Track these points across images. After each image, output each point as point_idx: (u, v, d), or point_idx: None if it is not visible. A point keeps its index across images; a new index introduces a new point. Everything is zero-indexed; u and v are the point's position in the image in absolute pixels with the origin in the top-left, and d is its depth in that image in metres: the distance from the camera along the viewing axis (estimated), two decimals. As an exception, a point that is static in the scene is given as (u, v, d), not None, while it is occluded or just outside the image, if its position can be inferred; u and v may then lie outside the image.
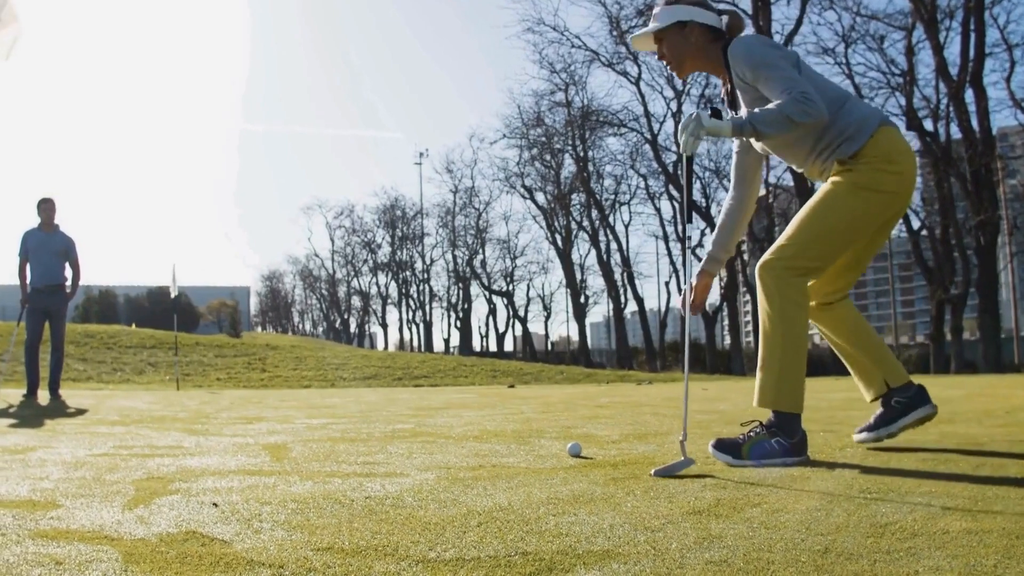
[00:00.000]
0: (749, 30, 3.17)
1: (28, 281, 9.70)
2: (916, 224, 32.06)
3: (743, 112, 3.09)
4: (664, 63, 3.25)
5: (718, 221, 3.35)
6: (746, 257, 41.86)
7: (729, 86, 3.21)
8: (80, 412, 6.93)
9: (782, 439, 2.94)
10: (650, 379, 19.50)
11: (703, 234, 43.17)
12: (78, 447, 3.92)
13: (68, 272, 9.90)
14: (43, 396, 9.53)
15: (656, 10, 3.27)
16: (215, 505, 2.27)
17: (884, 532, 1.84)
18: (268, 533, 1.90)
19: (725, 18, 3.19)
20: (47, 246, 9.70)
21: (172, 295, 15.48)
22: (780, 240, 3.06)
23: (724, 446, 3.01)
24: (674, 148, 40.94)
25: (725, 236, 3.33)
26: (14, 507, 2.27)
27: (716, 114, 2.91)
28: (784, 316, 2.97)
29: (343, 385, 17.74)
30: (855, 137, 2.96)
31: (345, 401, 8.96)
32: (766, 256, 3.04)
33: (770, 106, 2.87)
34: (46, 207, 9.80)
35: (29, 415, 6.66)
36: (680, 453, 2.85)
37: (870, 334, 3.26)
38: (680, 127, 2.92)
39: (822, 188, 3.06)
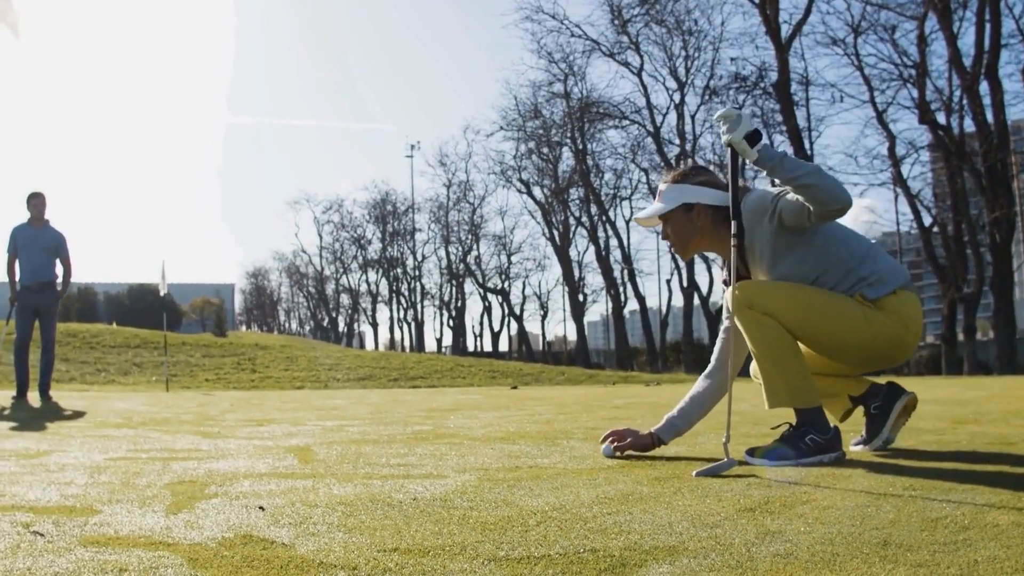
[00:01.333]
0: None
1: (17, 279, 9.75)
2: (927, 220, 32.25)
3: (762, 264, 3.15)
4: (667, 241, 3.32)
5: (691, 394, 3.40)
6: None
7: (742, 267, 3.26)
8: (78, 415, 7.00)
9: (815, 436, 3.05)
10: (657, 380, 19.60)
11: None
12: (92, 451, 3.98)
13: (59, 269, 9.97)
14: (32, 398, 9.60)
15: (662, 187, 3.33)
16: (262, 508, 2.33)
17: (936, 526, 1.95)
18: (327, 535, 1.97)
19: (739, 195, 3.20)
20: (37, 242, 9.75)
21: (161, 292, 15.53)
22: (777, 285, 3.11)
23: (759, 451, 3.13)
24: (676, 141, 41.12)
25: (694, 414, 3.39)
26: (50, 513, 2.30)
27: (756, 135, 2.93)
28: (756, 320, 3.07)
29: (337, 386, 17.81)
30: (878, 285, 3.07)
31: (349, 403, 9.05)
32: (752, 288, 3.08)
33: (800, 162, 2.94)
34: (36, 202, 9.84)
35: (27, 417, 6.73)
36: (724, 454, 2.96)
37: (809, 359, 3.27)
38: (721, 115, 2.98)
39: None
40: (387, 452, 3.73)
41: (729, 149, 2.98)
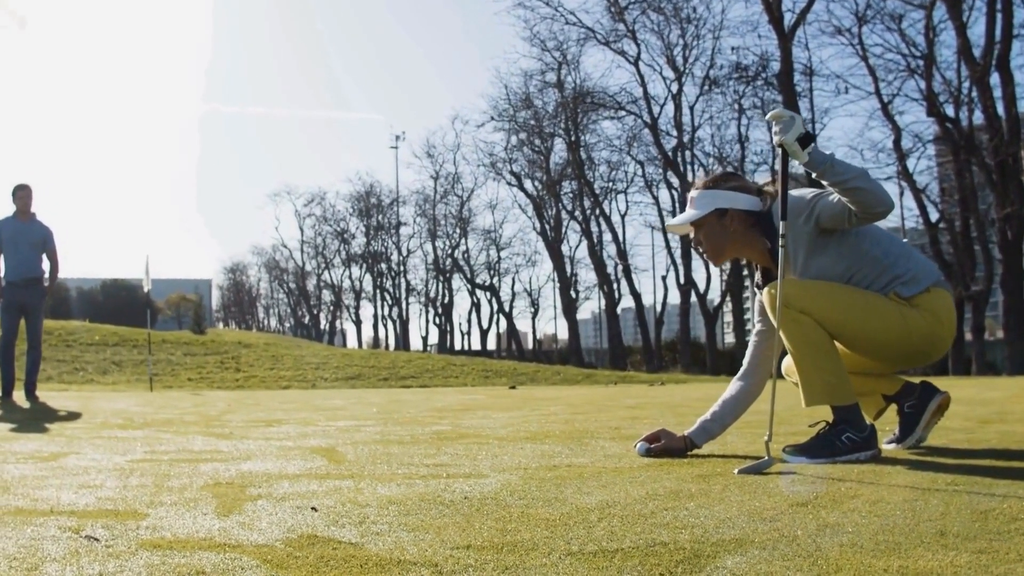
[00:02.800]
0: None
1: (2, 274, 9.80)
2: (934, 216, 32.51)
3: (799, 259, 3.29)
4: (699, 248, 3.45)
5: (724, 398, 3.54)
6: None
7: (774, 269, 3.37)
8: (74, 415, 7.07)
9: (852, 434, 3.21)
10: (661, 380, 19.77)
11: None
12: (108, 452, 4.04)
13: (45, 265, 10.03)
14: (18, 397, 9.66)
15: (694, 193, 3.46)
16: (314, 509, 2.41)
17: (987, 517, 2.10)
18: (392, 535, 2.07)
19: (767, 200, 3.38)
20: (24, 236, 9.79)
21: (145, 288, 15.58)
22: (813, 284, 3.25)
23: (796, 449, 3.28)
24: (674, 133, 41.29)
25: (727, 417, 3.54)
26: (93, 517, 2.33)
27: (808, 138, 3.05)
28: (793, 319, 3.21)
29: (324, 386, 17.91)
30: (912, 283, 3.23)
31: (349, 403, 9.16)
32: (789, 287, 3.21)
33: (847, 164, 3.08)
34: (22, 194, 9.88)
35: (22, 418, 6.80)
36: (764, 452, 3.12)
37: (843, 357, 3.40)
38: (773, 115, 3.10)
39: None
40: (416, 452, 3.86)
41: (780, 150, 3.10)
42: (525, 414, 6.57)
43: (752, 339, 3.58)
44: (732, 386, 3.57)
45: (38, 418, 6.78)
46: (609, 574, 1.68)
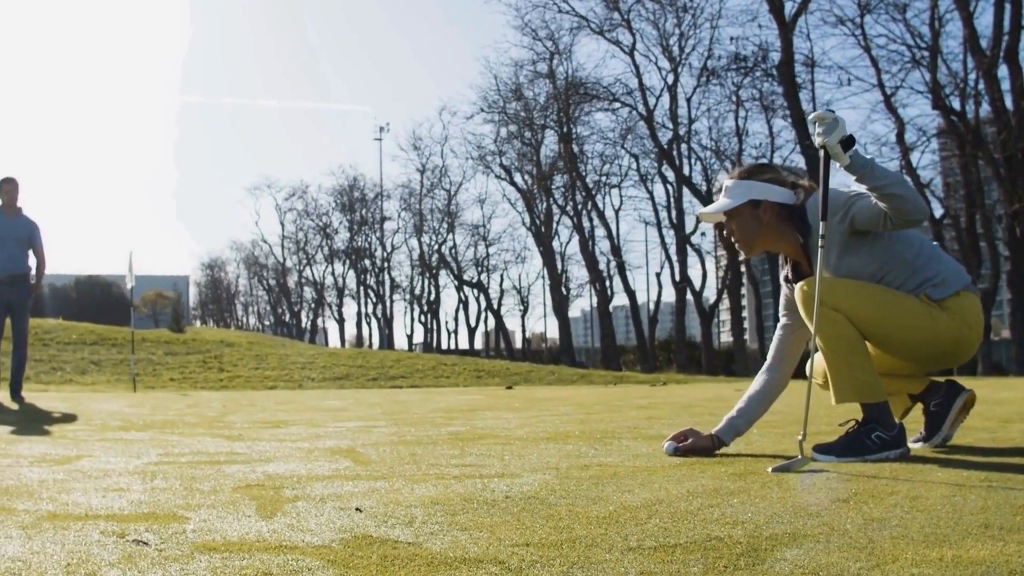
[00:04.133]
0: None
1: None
2: (939, 212, 32.79)
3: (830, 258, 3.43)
4: (732, 238, 3.59)
5: (749, 393, 3.68)
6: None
7: (804, 263, 3.55)
8: (69, 417, 7.13)
9: (881, 433, 3.37)
10: (663, 380, 19.92)
11: (698, 220, 43.70)
12: (121, 455, 4.07)
13: (32, 261, 10.08)
14: (3, 397, 9.71)
15: (728, 183, 3.59)
16: (358, 510, 2.50)
17: (1027, 512, 2.25)
18: (447, 534, 2.16)
19: (800, 194, 3.53)
20: (9, 232, 9.84)
21: (128, 286, 15.62)
22: (846, 282, 3.40)
23: (826, 448, 3.43)
24: (670, 126, 41.48)
25: (754, 413, 3.69)
26: (132, 521, 2.38)
27: (850, 141, 3.18)
28: (825, 316, 3.35)
29: (311, 386, 18.00)
30: (943, 286, 3.38)
31: (348, 404, 9.28)
32: (823, 285, 3.33)
33: (886, 169, 3.24)
34: (8, 188, 9.91)
35: (17, 420, 6.84)
36: (797, 451, 3.27)
37: (875, 357, 3.57)
38: (815, 117, 3.23)
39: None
40: (441, 453, 3.98)
41: (822, 151, 3.22)
42: (536, 415, 6.71)
43: (777, 332, 3.72)
44: (757, 381, 3.72)
45: (33, 420, 6.84)
46: (675, 568, 1.80)
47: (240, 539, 2.13)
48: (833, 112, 3.25)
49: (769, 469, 3.13)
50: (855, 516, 2.26)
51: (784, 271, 3.70)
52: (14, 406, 8.80)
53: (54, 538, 2.14)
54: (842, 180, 3.47)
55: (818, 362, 3.59)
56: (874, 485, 2.76)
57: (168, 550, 2.01)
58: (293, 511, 2.51)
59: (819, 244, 3.30)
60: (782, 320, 3.69)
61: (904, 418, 3.70)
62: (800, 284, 3.45)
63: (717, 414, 6.07)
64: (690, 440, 3.66)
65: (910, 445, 3.61)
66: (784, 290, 3.70)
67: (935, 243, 3.59)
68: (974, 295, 3.45)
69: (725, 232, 3.62)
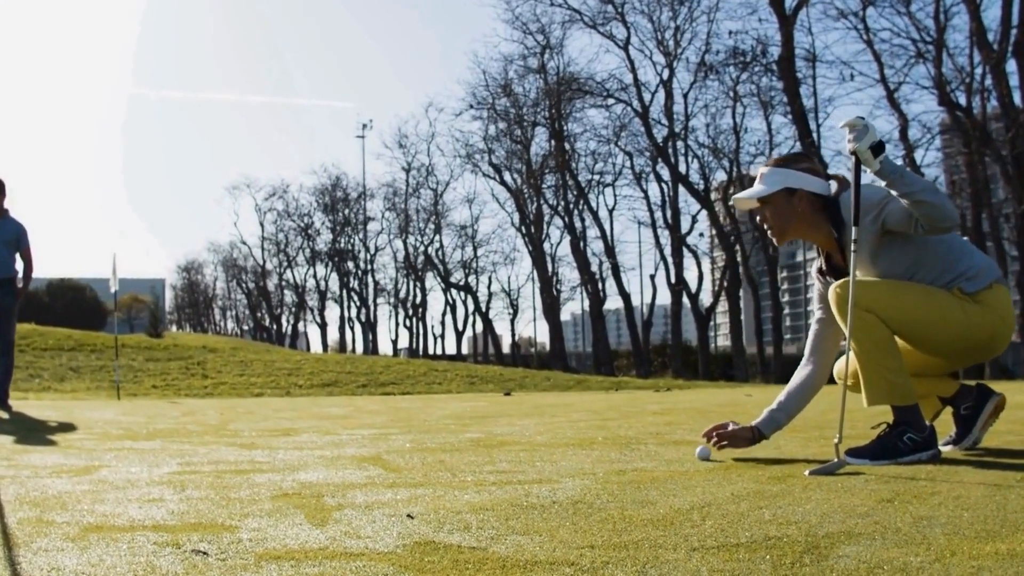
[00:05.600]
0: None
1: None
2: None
3: (862, 255, 3.59)
4: (764, 225, 3.76)
5: (789, 388, 3.86)
6: (748, 248, 42.73)
7: (837, 256, 3.72)
8: (67, 426, 7.18)
9: (913, 435, 3.55)
10: (667, 386, 20.09)
11: (694, 220, 43.97)
12: (140, 465, 4.13)
13: (19, 265, 10.12)
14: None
15: (763, 170, 3.77)
16: (410, 517, 2.62)
17: (1069, 511, 2.43)
18: (508, 538, 2.29)
19: (833, 184, 3.70)
20: (-3, 235, 9.88)
21: (112, 289, 15.68)
22: (879, 283, 3.57)
23: (859, 452, 3.60)
24: (665, 122, 41.68)
25: (794, 406, 3.85)
26: (182, 531, 2.46)
27: (880, 146, 3.37)
28: (859, 317, 3.52)
29: (299, 393, 18.07)
30: (976, 280, 3.55)
31: (348, 411, 9.41)
32: (859, 288, 3.50)
33: (916, 177, 3.42)
34: (-5, 189, 9.96)
35: (13, 430, 6.89)
36: (834, 454, 3.46)
37: (905, 354, 3.73)
38: (847, 123, 3.41)
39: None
40: (470, 460, 4.12)
41: (853, 157, 3.38)
42: (550, 421, 6.87)
43: (813, 327, 3.90)
44: (796, 376, 3.88)
45: (31, 429, 6.91)
46: (743, 566, 1.95)
47: (300, 547, 2.22)
48: (864, 119, 3.43)
49: (806, 472, 3.29)
50: (904, 515, 2.43)
51: (818, 263, 3.87)
52: (3, 415, 8.87)
53: (107, 550, 2.21)
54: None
55: (848, 363, 3.75)
56: (915, 486, 2.93)
57: (231, 560, 2.08)
58: (344, 519, 2.61)
59: (851, 248, 3.48)
60: (817, 314, 3.87)
61: (934, 420, 3.87)
62: (834, 286, 3.61)
63: (733, 420, 6.22)
64: (731, 428, 3.81)
65: (940, 448, 3.77)
66: (817, 284, 3.87)
67: (964, 238, 3.75)
68: (1005, 288, 3.63)
69: (758, 218, 3.78)
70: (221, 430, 6.47)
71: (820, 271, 3.83)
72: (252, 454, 4.63)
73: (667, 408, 8.45)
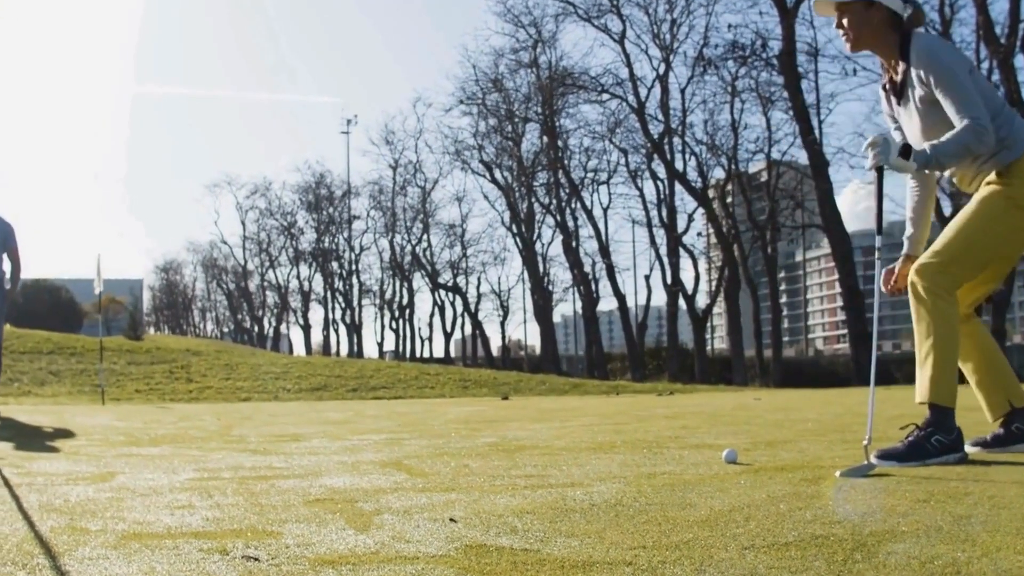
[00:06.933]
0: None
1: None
2: (948, 209, 33.26)
3: (919, 137, 3.82)
4: (842, 34, 3.96)
5: (909, 214, 4.15)
6: (747, 248, 42.94)
7: (899, 77, 3.93)
8: (64, 432, 7.25)
9: (941, 437, 3.72)
10: (670, 389, 20.25)
11: (690, 219, 44.16)
12: (156, 472, 4.20)
13: (6, 265, 10.19)
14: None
15: None
16: (453, 520, 2.72)
17: (1103, 512, 2.59)
18: (558, 540, 2.41)
19: (909, 9, 3.91)
20: (-17, 235, 9.95)
21: (96, 291, 15.73)
22: (935, 246, 3.82)
23: (888, 454, 3.76)
24: (660, 118, 41.84)
25: (919, 227, 4.12)
26: (223, 537, 2.52)
27: (906, 151, 3.63)
28: (937, 313, 3.73)
29: (288, 397, 18.16)
30: (1012, 148, 3.74)
31: (348, 416, 9.52)
32: (921, 261, 3.80)
33: (948, 137, 3.63)
34: (-19, 189, 10.06)
35: (12, 436, 6.94)
36: (864, 456, 3.64)
37: (996, 351, 4.05)
38: (868, 143, 3.67)
39: (978, 199, 3.80)
40: (494, 464, 4.25)
41: (875, 173, 3.68)
42: (561, 425, 7.02)
43: (909, 194, 4.13)
44: (910, 199, 4.11)
45: (28, 435, 6.98)
46: (798, 563, 2.08)
47: (351, 552, 2.30)
48: (882, 135, 3.72)
49: (837, 474, 3.44)
50: (942, 514, 2.57)
51: (884, 79, 4.07)
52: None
53: (154, 557, 2.27)
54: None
55: (874, 367, 3.89)
56: (948, 486, 3.09)
57: (285, 565, 2.14)
58: (386, 524, 2.70)
59: (876, 256, 3.71)
60: (896, 135, 4.07)
61: (995, 421, 4.02)
62: (910, 276, 3.80)
63: (747, 424, 6.41)
64: (896, 271, 4.08)
65: (967, 448, 3.92)
66: (883, 99, 4.10)
67: (1004, 102, 3.94)
68: None
69: (835, 24, 3.97)
70: (225, 436, 6.57)
71: (884, 88, 4.05)
72: (268, 460, 4.72)
73: (677, 412, 8.60)
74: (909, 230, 4.17)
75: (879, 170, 3.72)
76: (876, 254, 3.71)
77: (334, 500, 3.22)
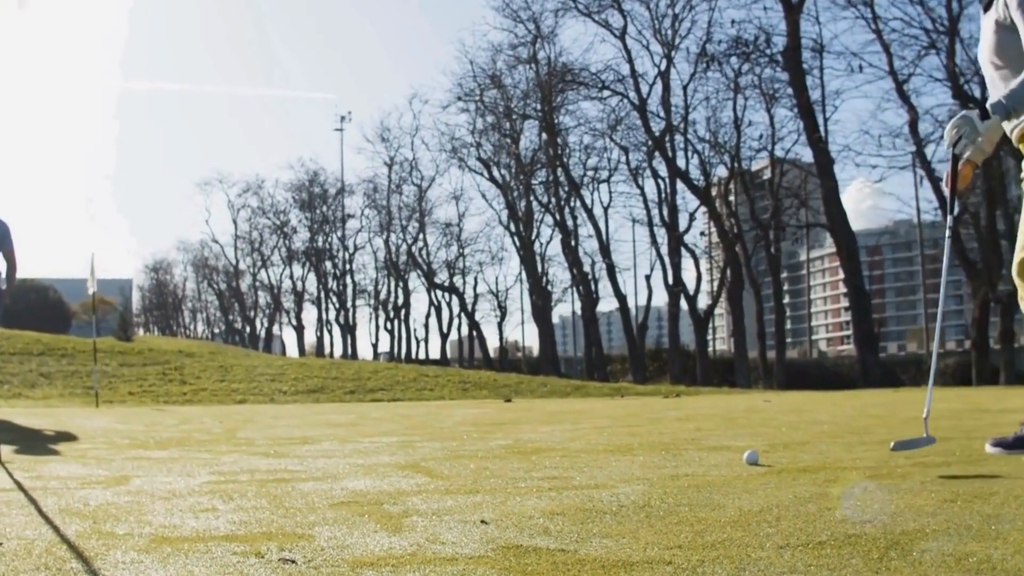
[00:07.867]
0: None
1: (-45, 277, 10.02)
2: (955, 209, 33.36)
3: (987, 54, 3.98)
4: None
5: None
6: (750, 248, 43.04)
7: None
8: (66, 436, 7.30)
9: None
10: (677, 391, 20.36)
11: (692, 218, 44.23)
12: (171, 475, 4.26)
13: (2, 265, 10.25)
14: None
15: None
16: (484, 522, 2.80)
17: None
18: (593, 541, 2.49)
19: None
20: (-22, 234, 10.00)
21: (90, 291, 15.78)
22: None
23: (999, 442, 4.03)
24: (662, 115, 41.89)
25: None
26: (254, 540, 2.58)
27: (983, 114, 3.79)
28: None
29: (284, 400, 18.20)
30: None
31: (352, 418, 9.61)
32: (1020, 255, 3.91)
33: (1017, 83, 3.72)
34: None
35: (14, 439, 6.96)
36: (923, 430, 3.83)
37: None
38: (950, 125, 3.82)
39: None
40: (513, 467, 4.34)
41: (950, 160, 3.90)
42: (573, 428, 7.13)
43: None
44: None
45: (29, 438, 7.03)
46: (835, 561, 2.18)
47: (388, 554, 2.37)
48: (962, 115, 3.87)
49: (891, 445, 3.70)
50: (971, 513, 2.67)
51: None
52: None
53: (188, 560, 2.33)
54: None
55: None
56: (973, 486, 3.20)
57: (324, 568, 2.19)
58: (418, 526, 2.77)
59: (947, 235, 4.01)
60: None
61: None
62: (1014, 265, 3.95)
63: (762, 426, 6.49)
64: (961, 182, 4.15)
65: (987, 449, 4.07)
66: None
67: None
68: None
69: None
70: (231, 439, 6.64)
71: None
72: (283, 463, 4.78)
73: (688, 415, 8.70)
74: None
75: (955, 157, 3.90)
76: (947, 232, 4.04)
77: (359, 503, 3.28)
